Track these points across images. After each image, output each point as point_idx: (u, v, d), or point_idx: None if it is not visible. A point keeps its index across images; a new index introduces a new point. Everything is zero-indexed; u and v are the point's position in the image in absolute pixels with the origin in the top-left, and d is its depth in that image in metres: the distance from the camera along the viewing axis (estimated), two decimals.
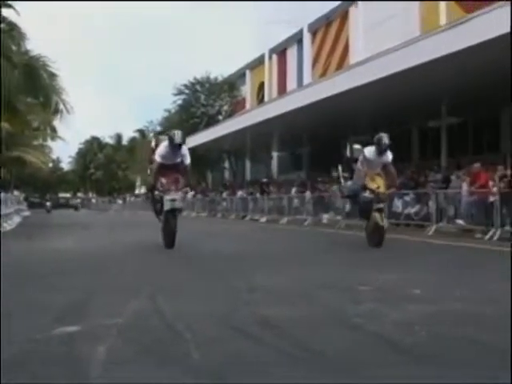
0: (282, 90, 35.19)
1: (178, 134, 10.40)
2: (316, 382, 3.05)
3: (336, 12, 30.66)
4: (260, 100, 38.49)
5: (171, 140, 10.35)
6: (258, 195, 26.76)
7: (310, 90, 23.51)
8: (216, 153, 39.36)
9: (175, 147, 10.40)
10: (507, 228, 13.00)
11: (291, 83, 34.68)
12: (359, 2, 28.10)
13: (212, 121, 40.25)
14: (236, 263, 8.48)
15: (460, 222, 14.74)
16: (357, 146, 11.41)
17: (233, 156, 40.89)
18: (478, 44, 13.88)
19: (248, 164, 41.89)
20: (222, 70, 68.83)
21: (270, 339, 3.86)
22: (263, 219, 24.03)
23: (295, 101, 23.41)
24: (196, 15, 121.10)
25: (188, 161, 10.71)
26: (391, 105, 19.90)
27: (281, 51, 37.16)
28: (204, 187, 40.56)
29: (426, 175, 18.63)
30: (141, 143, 57.33)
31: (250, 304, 5.11)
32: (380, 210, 10.55)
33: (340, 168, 12.24)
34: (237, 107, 41.03)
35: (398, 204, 16.90)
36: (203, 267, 8.06)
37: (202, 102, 42.84)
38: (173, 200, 10.27)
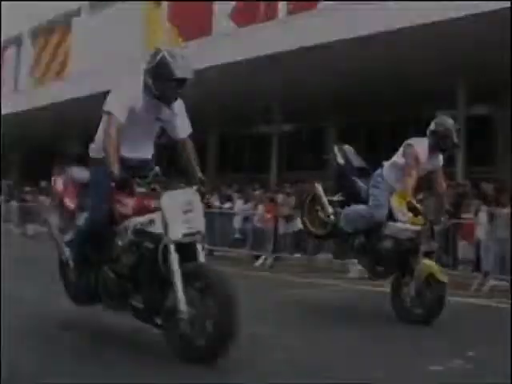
0: None
1: (179, 54, 4.19)
2: None
3: (60, 20, 29.99)
4: None
5: (161, 64, 4.10)
6: None
7: (24, 96, 22.83)
8: None
9: (166, 87, 4.15)
10: None
11: (7, 87, 32.95)
12: (82, 14, 27.96)
13: None
14: None
15: None
16: (349, 147, 6.77)
17: None
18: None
19: None
20: None
21: None
22: None
23: (8, 106, 22.50)
24: None
25: (187, 130, 4.57)
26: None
27: None
28: None
29: None
30: None
31: None
32: (431, 254, 6.18)
33: (320, 188, 6.69)
34: None
35: None
36: None
37: None
38: (189, 234, 4.03)
